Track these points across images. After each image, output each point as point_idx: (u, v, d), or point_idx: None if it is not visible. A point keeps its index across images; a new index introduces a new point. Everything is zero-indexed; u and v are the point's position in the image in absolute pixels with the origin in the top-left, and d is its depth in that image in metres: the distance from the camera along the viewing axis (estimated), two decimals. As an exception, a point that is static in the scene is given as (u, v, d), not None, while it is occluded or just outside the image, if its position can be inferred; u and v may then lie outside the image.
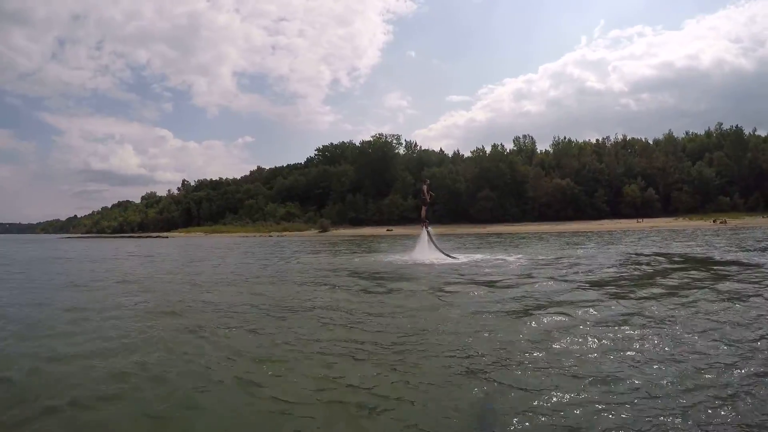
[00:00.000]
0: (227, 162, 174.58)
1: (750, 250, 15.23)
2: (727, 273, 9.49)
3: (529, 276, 9.67)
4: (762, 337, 4.47)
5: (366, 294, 8.05)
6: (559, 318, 5.52)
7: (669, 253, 15.30)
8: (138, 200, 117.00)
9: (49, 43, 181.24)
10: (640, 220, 67.42)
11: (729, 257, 12.97)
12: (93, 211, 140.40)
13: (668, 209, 72.23)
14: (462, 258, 14.93)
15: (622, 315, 5.62)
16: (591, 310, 5.88)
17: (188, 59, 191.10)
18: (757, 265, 10.60)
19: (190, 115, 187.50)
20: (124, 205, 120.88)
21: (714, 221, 62.02)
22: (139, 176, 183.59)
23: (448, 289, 8.42)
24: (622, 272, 10.33)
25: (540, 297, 7.17)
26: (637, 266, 11.35)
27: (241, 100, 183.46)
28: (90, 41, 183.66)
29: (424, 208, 16.00)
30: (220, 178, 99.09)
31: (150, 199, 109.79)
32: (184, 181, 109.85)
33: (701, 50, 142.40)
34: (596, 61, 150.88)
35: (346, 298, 7.52)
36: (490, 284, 8.75)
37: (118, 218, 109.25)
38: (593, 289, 7.74)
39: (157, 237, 79.09)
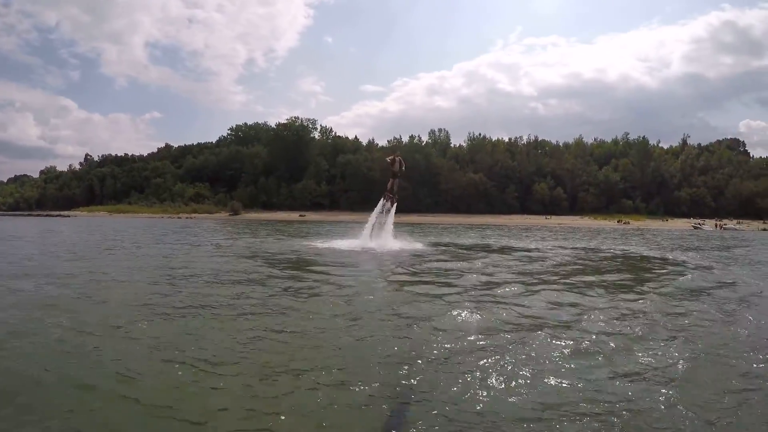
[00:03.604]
0: (133, 137, 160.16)
1: (674, 249, 17.32)
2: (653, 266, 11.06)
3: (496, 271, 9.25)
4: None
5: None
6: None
7: (596, 248, 16.68)
8: (36, 175, 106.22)
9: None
10: (549, 216, 69.24)
11: (654, 254, 14.46)
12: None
13: (574, 208, 74.71)
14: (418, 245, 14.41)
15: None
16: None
17: (100, 25, 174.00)
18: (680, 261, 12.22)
19: (96, 85, 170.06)
20: (21, 180, 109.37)
21: (618, 221, 65.11)
22: (39, 149, 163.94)
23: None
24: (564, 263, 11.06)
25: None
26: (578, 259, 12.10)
27: (151, 72, 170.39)
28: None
29: (391, 181, 14.49)
30: (126, 154, 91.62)
31: (49, 174, 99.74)
32: (87, 155, 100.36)
33: (610, 65, 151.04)
34: (510, 64, 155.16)
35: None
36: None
37: (15, 194, 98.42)
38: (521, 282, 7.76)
39: (58, 216, 71.86)
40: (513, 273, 8.82)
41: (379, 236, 14.11)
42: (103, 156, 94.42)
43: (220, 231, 25.43)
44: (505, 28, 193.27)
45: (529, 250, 14.59)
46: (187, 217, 62.69)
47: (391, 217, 14.35)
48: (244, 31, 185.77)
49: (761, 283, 8.35)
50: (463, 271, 8.76)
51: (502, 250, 14.85)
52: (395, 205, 14.50)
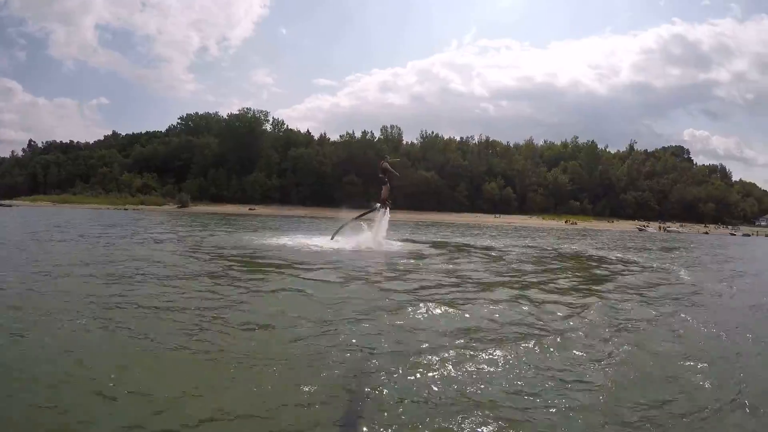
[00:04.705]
0: (79, 124, 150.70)
1: (616, 248, 18.65)
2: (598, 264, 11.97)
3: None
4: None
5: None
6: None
7: (546, 247, 17.37)
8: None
9: None
10: (498, 216, 70.56)
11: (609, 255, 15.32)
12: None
13: (523, 208, 76.47)
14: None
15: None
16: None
17: (51, 4, 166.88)
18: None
19: (43, 68, 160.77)
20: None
21: (566, 222, 66.83)
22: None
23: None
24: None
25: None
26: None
27: (100, 56, 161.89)
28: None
29: (385, 188, 13.98)
30: (71, 141, 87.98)
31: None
32: (30, 141, 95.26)
33: (561, 70, 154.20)
34: (463, 65, 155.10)
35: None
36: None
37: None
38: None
39: (-1, 206, 68.56)
40: (485, 268, 9.69)
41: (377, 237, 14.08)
42: (47, 142, 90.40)
43: (170, 225, 24.11)
44: (461, 29, 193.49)
45: (489, 248, 15.31)
46: (134, 209, 60.81)
47: (385, 219, 14.29)
48: (198, 18, 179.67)
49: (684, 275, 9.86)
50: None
51: (471, 247, 15.60)
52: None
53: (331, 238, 13.50)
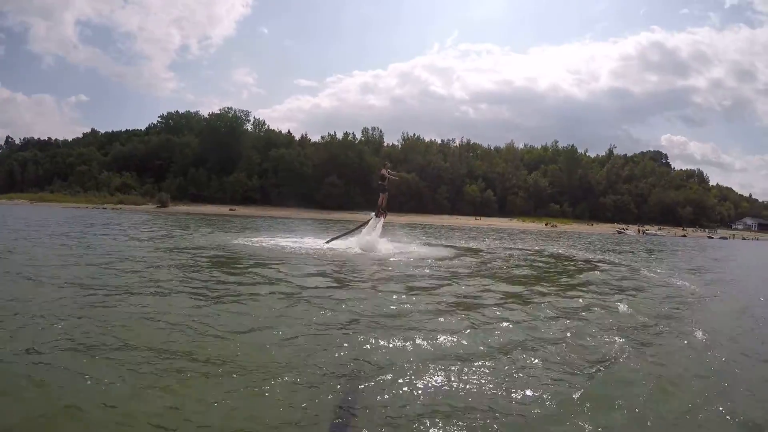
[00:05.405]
0: (58, 121, 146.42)
1: (594, 251, 19.28)
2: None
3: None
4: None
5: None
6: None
7: (530, 248, 17.80)
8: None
9: None
10: (478, 218, 71.21)
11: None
12: None
13: (503, 210, 77.17)
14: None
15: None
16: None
17: None
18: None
19: (21, 63, 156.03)
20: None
21: (546, 224, 67.59)
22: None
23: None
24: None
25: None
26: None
27: (80, 52, 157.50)
28: None
29: (383, 195, 13.25)
30: (50, 139, 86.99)
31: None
32: (8, 138, 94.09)
33: (541, 75, 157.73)
34: (444, 68, 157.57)
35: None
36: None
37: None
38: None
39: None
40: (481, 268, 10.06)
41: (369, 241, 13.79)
42: (25, 139, 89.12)
43: (152, 225, 23.45)
44: (442, 32, 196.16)
45: (474, 250, 15.60)
46: (112, 208, 60.18)
47: (378, 227, 13.83)
48: (180, 15, 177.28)
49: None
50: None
51: (455, 248, 15.87)
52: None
53: (326, 243, 13.27)
